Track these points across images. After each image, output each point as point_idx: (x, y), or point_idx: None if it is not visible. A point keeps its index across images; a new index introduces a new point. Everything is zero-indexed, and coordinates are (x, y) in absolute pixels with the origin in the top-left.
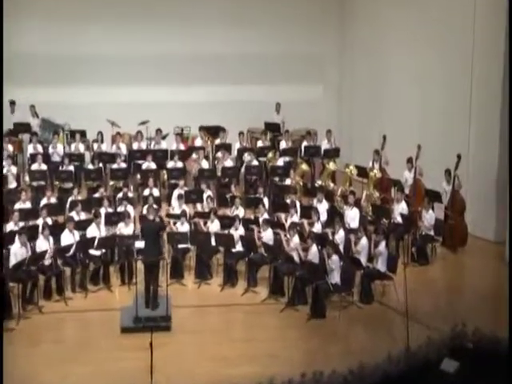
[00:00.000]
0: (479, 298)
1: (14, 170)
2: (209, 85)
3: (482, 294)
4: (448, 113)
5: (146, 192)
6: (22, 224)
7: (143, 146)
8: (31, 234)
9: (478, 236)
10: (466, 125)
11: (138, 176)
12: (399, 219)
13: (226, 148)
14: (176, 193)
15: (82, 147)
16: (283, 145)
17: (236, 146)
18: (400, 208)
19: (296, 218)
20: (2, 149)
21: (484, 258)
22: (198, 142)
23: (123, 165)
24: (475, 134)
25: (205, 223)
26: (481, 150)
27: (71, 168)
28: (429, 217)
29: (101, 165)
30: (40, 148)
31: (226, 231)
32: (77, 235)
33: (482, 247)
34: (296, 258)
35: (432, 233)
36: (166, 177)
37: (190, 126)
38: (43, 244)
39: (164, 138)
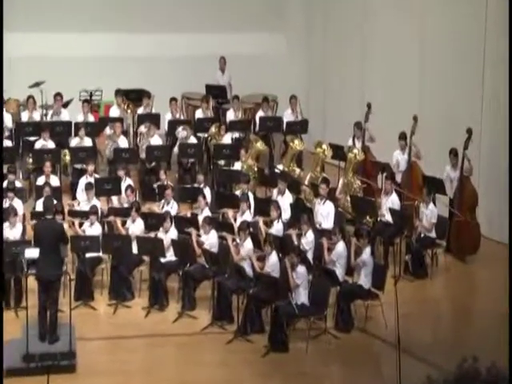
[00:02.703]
0: (495, 322)
1: None
2: (128, 32)
3: (498, 318)
4: (454, 76)
5: (41, 180)
6: None
7: (36, 116)
8: None
9: (493, 239)
10: (477, 91)
11: (30, 158)
12: (388, 217)
13: (153, 120)
14: (83, 182)
15: None
16: (231, 116)
17: (166, 116)
18: (390, 201)
19: (249, 216)
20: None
21: (501, 268)
22: (114, 112)
23: (8, 143)
24: (489, 102)
25: (123, 223)
26: (497, 124)
27: None
28: (429, 213)
29: None
30: None
31: (153, 234)
32: None
33: (499, 254)
34: (248, 271)
35: (433, 235)
36: (68, 159)
37: (102, 88)
38: None
39: (66, 105)
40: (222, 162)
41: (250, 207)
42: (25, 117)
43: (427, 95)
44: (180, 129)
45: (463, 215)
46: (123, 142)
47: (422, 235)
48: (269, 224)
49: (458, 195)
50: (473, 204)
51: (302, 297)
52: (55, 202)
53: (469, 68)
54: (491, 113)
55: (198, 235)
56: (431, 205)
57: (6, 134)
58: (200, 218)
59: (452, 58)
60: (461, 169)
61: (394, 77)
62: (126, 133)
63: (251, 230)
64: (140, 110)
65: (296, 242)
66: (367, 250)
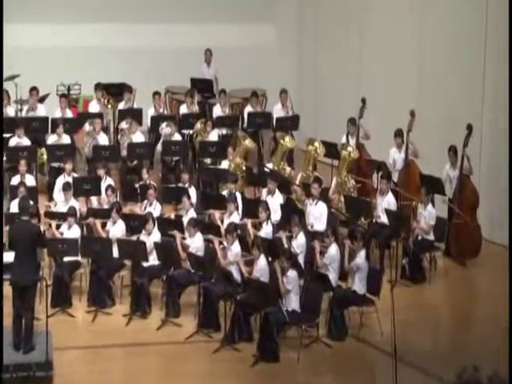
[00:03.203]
0: (497, 329)
1: None
2: (109, 22)
3: (500, 325)
4: (454, 70)
5: (16, 180)
6: None
7: (11, 112)
8: None
9: (494, 242)
10: (478, 85)
11: (4, 157)
12: (384, 218)
13: (135, 115)
14: (60, 181)
15: None
16: (217, 111)
17: (149, 112)
18: (385, 202)
19: (236, 218)
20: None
21: (504, 272)
22: (93, 107)
23: None
24: (491, 97)
25: (103, 226)
26: (499, 120)
27: None
28: (427, 214)
29: None
30: None
31: (135, 237)
32: None
33: (501, 258)
34: (236, 275)
35: (431, 237)
36: (45, 158)
37: (81, 82)
38: None
39: (42, 100)
40: (208, 161)
41: (237, 208)
42: None
43: (425, 90)
44: (163, 125)
45: (463, 216)
46: (103, 139)
47: (420, 238)
48: (258, 226)
49: (457, 195)
50: (473, 204)
51: (292, 303)
52: (31, 202)
53: (469, 61)
54: (492, 108)
55: (183, 238)
56: (429, 205)
57: None
58: (185, 220)
59: (452, 51)
60: (460, 167)
61: (390, 71)
62: (106, 129)
63: (239, 232)
64: (121, 105)
65: (286, 245)
66: (362, 254)
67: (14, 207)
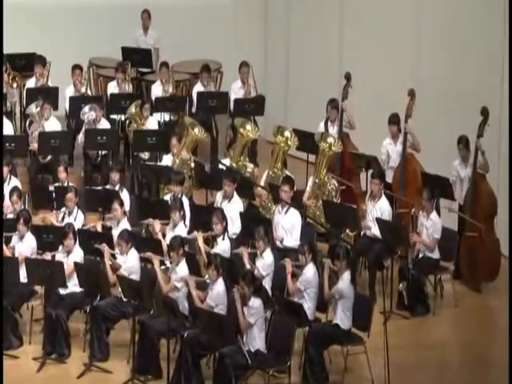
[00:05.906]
0: None
1: None
2: None
3: None
4: (463, 37)
5: None
6: None
7: None
8: None
9: None
10: (495, 58)
11: None
12: (376, 230)
13: (49, 96)
14: None
15: None
16: (157, 91)
17: (68, 91)
18: (377, 209)
19: (183, 230)
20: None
21: None
22: None
23: None
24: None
25: (7, 241)
26: None
27: None
28: (430, 225)
29: None
30: None
31: (49, 256)
32: None
33: None
34: (183, 305)
35: (436, 255)
36: None
37: None
38: None
39: None
40: (145, 155)
41: (184, 218)
42: None
43: (427, 63)
44: (86, 109)
45: (477, 228)
46: (6, 128)
47: (422, 255)
48: (211, 241)
49: (470, 200)
50: (490, 212)
51: (256, 341)
52: None
53: (483, 27)
54: None
55: (113, 256)
56: (433, 213)
57: None
58: (115, 233)
59: (461, 13)
60: (474, 164)
61: (382, 38)
62: (10, 114)
63: (186, 249)
64: (30, 83)
65: (248, 266)
66: (346, 276)
67: None
